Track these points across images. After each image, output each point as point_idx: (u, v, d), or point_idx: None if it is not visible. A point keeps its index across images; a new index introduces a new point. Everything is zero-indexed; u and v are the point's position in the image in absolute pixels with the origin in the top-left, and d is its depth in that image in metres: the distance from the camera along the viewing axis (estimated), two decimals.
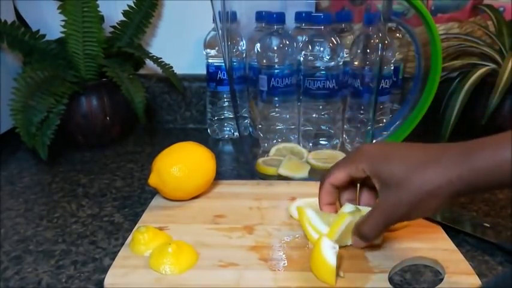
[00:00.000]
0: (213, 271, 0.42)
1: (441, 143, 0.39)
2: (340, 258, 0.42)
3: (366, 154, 0.42)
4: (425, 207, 0.37)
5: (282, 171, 0.62)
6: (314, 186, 0.59)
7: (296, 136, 0.70)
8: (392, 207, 0.39)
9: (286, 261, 0.43)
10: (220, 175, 0.61)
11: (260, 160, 0.65)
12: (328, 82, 0.64)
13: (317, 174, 0.62)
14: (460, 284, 0.40)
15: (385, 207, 0.39)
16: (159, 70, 0.82)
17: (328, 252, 0.40)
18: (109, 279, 0.41)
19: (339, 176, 0.44)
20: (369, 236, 0.42)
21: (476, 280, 0.40)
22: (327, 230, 0.45)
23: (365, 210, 0.44)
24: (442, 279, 0.41)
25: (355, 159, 0.43)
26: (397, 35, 0.74)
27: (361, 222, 0.42)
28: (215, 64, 0.80)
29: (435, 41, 0.62)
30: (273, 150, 0.67)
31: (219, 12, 0.60)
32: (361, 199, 0.47)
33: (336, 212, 0.47)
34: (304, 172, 0.62)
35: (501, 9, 0.81)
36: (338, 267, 0.40)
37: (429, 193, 0.36)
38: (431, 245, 0.46)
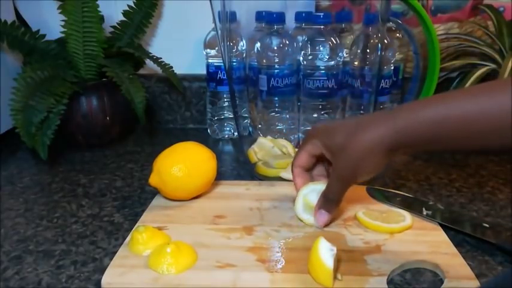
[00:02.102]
0: (210, 271, 0.42)
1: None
2: (338, 261, 0.42)
3: (316, 132, 0.48)
4: (368, 163, 0.43)
5: (285, 174, 0.62)
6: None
7: (296, 136, 0.70)
8: (341, 170, 0.45)
9: (283, 263, 0.43)
10: (220, 175, 0.61)
11: (260, 162, 0.65)
12: (328, 82, 0.64)
13: None
14: None
15: (337, 171, 0.45)
16: (159, 70, 0.82)
17: (326, 255, 0.40)
18: (107, 278, 0.41)
19: (302, 157, 0.50)
20: (334, 198, 0.47)
21: (477, 285, 0.40)
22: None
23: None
24: (442, 281, 0.41)
25: (309, 138, 0.49)
26: (397, 35, 0.74)
27: (325, 190, 0.48)
28: (215, 64, 0.80)
29: (433, 40, 0.62)
30: (257, 146, 0.67)
31: (219, 12, 0.60)
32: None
33: None
34: None
35: (501, 9, 0.81)
36: (336, 269, 0.40)
37: (365, 151, 0.42)
38: (431, 248, 0.45)
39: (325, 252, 0.40)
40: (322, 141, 0.47)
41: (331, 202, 0.48)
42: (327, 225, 0.49)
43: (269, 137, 0.67)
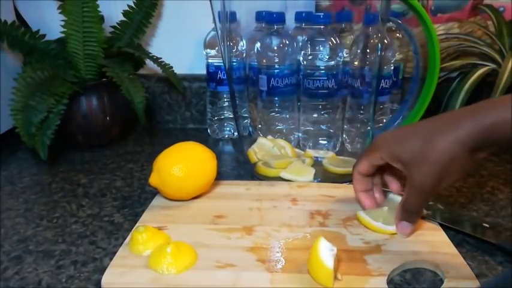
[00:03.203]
0: (210, 272, 0.42)
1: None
2: (338, 261, 0.42)
3: (380, 143, 0.46)
4: (453, 169, 0.39)
5: (285, 175, 0.62)
6: (316, 188, 0.60)
7: (296, 136, 0.70)
8: (423, 181, 0.41)
9: (283, 263, 0.43)
10: (220, 175, 0.61)
11: (260, 162, 0.65)
12: (328, 82, 0.64)
13: (328, 179, 0.62)
14: None
15: (417, 183, 0.42)
16: (159, 70, 0.82)
17: (326, 255, 0.39)
18: (106, 278, 0.41)
19: (364, 166, 0.48)
20: (415, 211, 0.45)
21: (477, 285, 0.40)
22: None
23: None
24: (442, 281, 0.41)
25: (372, 150, 0.47)
26: (397, 35, 0.74)
27: (404, 203, 0.45)
28: (215, 64, 0.80)
29: (433, 40, 0.62)
30: (257, 146, 0.67)
31: (219, 12, 0.60)
32: (392, 187, 0.51)
33: (373, 198, 0.52)
34: (309, 176, 0.62)
35: (501, 9, 0.81)
36: (336, 269, 0.40)
37: (447, 159, 0.39)
38: (431, 248, 0.45)
39: (325, 252, 0.40)
40: (391, 152, 0.44)
41: (412, 214, 0.45)
42: (411, 234, 0.48)
43: (270, 137, 0.67)
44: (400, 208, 0.46)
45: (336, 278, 0.40)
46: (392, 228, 0.48)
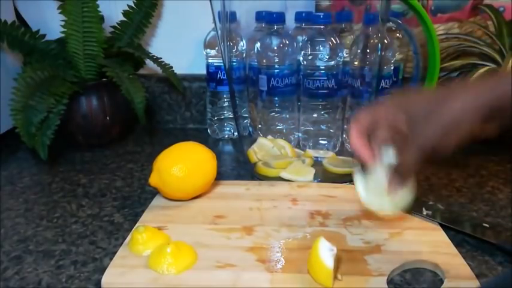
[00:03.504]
0: (210, 272, 0.42)
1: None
2: (338, 261, 0.42)
3: (392, 98, 0.44)
4: (459, 131, 0.39)
5: (285, 175, 0.62)
6: (316, 188, 0.60)
7: (296, 136, 0.70)
8: (425, 138, 0.40)
9: (283, 263, 0.43)
10: (220, 175, 0.61)
11: (260, 162, 0.65)
12: (327, 82, 0.64)
13: (328, 179, 0.62)
14: None
15: (421, 140, 0.41)
16: (159, 70, 0.82)
17: (326, 254, 0.40)
18: (106, 278, 0.41)
19: (366, 117, 0.45)
20: (409, 168, 0.42)
21: (477, 285, 0.40)
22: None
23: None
24: (442, 281, 0.41)
25: (378, 105, 0.45)
26: (397, 35, 0.74)
27: (401, 161, 0.43)
28: (215, 64, 0.80)
29: (433, 40, 0.62)
30: (257, 146, 0.67)
31: (219, 12, 0.60)
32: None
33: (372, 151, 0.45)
34: (309, 176, 0.62)
35: (501, 9, 0.81)
36: (336, 269, 0.40)
37: (458, 120, 0.38)
38: (431, 248, 0.45)
39: (325, 252, 0.40)
40: (402, 103, 0.42)
41: (404, 172, 0.43)
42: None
43: (270, 137, 0.67)
44: (395, 167, 0.43)
45: (336, 278, 0.40)
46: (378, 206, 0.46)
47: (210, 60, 0.80)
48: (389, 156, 0.43)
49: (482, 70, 0.72)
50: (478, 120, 0.38)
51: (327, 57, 0.63)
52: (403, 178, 0.43)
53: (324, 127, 0.68)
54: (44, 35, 0.76)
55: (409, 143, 0.42)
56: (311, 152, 0.66)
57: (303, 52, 0.65)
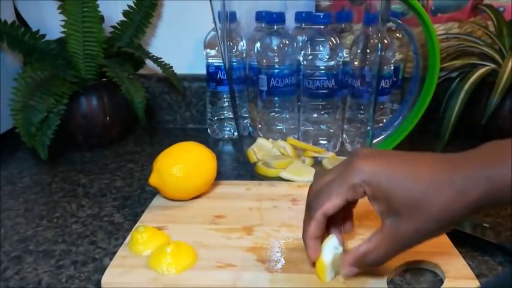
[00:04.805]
0: (210, 272, 0.42)
1: (437, 153, 0.36)
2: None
3: (364, 172, 0.36)
4: (443, 230, 0.35)
5: (285, 175, 0.62)
6: None
7: (296, 136, 0.70)
8: (407, 237, 0.35)
9: (283, 263, 0.43)
10: (220, 175, 0.61)
11: (260, 162, 0.65)
12: (327, 82, 0.64)
13: None
14: None
15: (398, 236, 0.35)
16: (159, 70, 0.82)
17: (328, 250, 0.40)
18: (106, 278, 0.41)
19: (336, 203, 0.37)
20: (377, 262, 0.38)
21: (477, 285, 0.40)
22: None
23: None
24: (442, 281, 0.41)
25: (351, 179, 0.36)
26: (397, 35, 0.74)
27: (367, 252, 0.37)
28: (215, 64, 0.80)
29: (433, 40, 0.62)
30: (256, 147, 0.67)
31: (219, 12, 0.60)
32: (345, 227, 0.43)
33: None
34: (309, 176, 0.62)
35: (501, 9, 0.81)
36: (339, 268, 0.40)
37: (446, 219, 0.34)
38: (431, 248, 0.45)
39: (329, 249, 0.40)
40: (377, 189, 0.35)
41: (369, 264, 0.38)
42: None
43: (270, 140, 0.67)
44: (356, 253, 0.38)
45: (337, 274, 0.40)
46: None
47: (210, 60, 0.80)
48: (334, 246, 0.40)
49: (482, 70, 0.72)
50: (467, 214, 0.34)
51: (327, 57, 0.63)
52: (369, 265, 0.38)
53: (324, 127, 0.68)
54: (44, 35, 0.76)
55: (383, 235, 0.36)
56: (311, 152, 0.66)
57: (303, 52, 0.65)
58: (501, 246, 0.46)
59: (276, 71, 0.65)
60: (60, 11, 0.72)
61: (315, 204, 0.39)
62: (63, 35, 0.74)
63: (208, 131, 0.86)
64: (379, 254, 0.37)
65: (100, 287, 0.41)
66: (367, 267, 0.38)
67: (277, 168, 0.63)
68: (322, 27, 0.63)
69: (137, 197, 0.60)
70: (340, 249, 0.40)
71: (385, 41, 0.67)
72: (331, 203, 0.37)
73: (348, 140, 0.71)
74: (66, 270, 0.44)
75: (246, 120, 0.73)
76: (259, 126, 0.70)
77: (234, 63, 0.67)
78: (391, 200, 0.35)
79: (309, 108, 0.67)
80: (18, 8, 0.83)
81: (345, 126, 0.70)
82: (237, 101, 0.68)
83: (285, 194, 0.58)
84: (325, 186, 0.38)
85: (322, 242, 0.40)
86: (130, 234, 0.47)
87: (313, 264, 0.41)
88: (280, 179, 0.62)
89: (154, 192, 0.57)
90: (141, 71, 0.89)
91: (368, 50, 0.65)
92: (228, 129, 0.84)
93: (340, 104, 0.68)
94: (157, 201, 0.56)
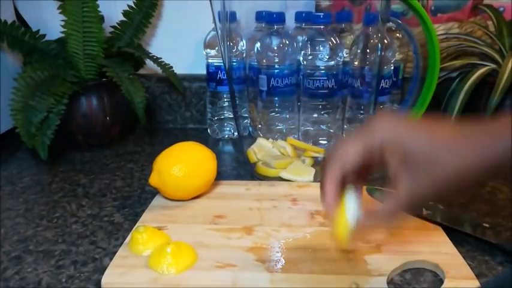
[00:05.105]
0: (210, 272, 0.42)
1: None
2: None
3: (384, 127, 0.37)
4: (459, 186, 0.35)
5: (285, 175, 0.62)
6: (316, 188, 0.59)
7: (296, 136, 0.70)
8: (422, 189, 0.35)
9: (283, 263, 0.43)
10: (220, 175, 0.61)
11: (260, 162, 0.65)
12: (328, 82, 0.64)
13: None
14: None
15: (413, 188, 0.35)
16: (159, 70, 0.82)
17: (349, 209, 0.39)
18: (107, 278, 0.41)
19: (354, 158, 0.37)
20: (391, 215, 0.38)
21: (477, 285, 0.40)
22: None
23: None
24: (442, 281, 0.41)
25: (371, 134, 0.37)
26: (397, 35, 0.74)
27: (383, 207, 0.38)
28: (215, 64, 0.80)
29: (433, 40, 0.62)
30: (256, 147, 0.67)
31: (219, 12, 0.60)
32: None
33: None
34: (309, 176, 0.62)
35: (501, 9, 0.81)
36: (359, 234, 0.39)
37: (464, 177, 0.34)
38: (431, 248, 0.45)
39: (350, 207, 0.39)
40: (395, 142, 0.36)
41: (379, 220, 0.39)
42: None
43: (270, 140, 0.67)
44: (375, 212, 0.39)
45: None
46: None
47: (210, 60, 0.80)
48: (353, 203, 0.40)
49: (482, 70, 0.72)
50: (477, 177, 0.34)
51: (327, 57, 0.63)
52: (381, 222, 0.39)
53: (324, 127, 0.68)
54: (44, 35, 0.76)
55: (397, 188, 0.36)
56: (311, 152, 0.66)
57: (303, 52, 0.65)
58: (501, 246, 0.46)
59: (276, 71, 0.65)
60: (60, 11, 0.72)
61: (334, 159, 0.39)
62: (63, 35, 0.74)
63: (208, 131, 0.86)
64: (394, 205, 0.37)
65: (100, 287, 0.41)
66: (385, 219, 0.39)
67: (277, 168, 0.63)
68: (322, 27, 0.63)
69: (137, 197, 0.60)
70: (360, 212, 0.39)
71: (385, 41, 0.67)
72: (351, 156, 0.38)
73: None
74: (66, 270, 0.44)
75: (246, 120, 0.73)
76: (259, 126, 0.70)
77: (234, 63, 0.67)
78: (408, 153, 0.35)
79: (309, 108, 0.67)
80: (18, 8, 0.83)
81: (345, 126, 0.70)
82: (237, 101, 0.68)
83: (285, 194, 0.58)
84: (345, 142, 0.39)
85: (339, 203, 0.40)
86: (130, 234, 0.47)
87: (328, 216, 0.39)
88: (280, 179, 0.62)
89: (154, 192, 0.57)
90: (141, 71, 0.89)
91: (368, 50, 0.65)
92: (228, 129, 0.84)
93: (340, 104, 0.68)
94: (157, 201, 0.56)
